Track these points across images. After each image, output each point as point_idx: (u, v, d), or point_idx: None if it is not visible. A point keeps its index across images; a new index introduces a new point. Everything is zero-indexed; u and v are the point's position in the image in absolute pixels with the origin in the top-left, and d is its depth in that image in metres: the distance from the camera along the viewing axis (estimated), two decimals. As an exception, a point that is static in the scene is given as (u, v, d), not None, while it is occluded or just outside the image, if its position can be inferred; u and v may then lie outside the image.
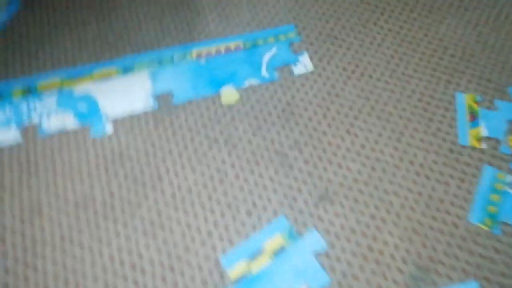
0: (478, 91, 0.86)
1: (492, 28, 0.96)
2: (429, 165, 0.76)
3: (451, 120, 0.82)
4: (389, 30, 0.93)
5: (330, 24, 0.92)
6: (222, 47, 0.88)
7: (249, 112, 0.79)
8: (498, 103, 0.85)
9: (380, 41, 0.91)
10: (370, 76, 0.86)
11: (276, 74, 0.85)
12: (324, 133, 0.78)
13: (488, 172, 0.76)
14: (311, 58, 0.87)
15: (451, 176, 0.75)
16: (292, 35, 0.90)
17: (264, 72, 0.84)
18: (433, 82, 0.86)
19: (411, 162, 0.76)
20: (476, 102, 0.84)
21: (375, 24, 0.94)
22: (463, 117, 0.82)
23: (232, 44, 0.88)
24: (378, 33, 0.93)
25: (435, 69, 0.88)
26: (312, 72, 0.85)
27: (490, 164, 0.77)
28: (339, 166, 0.76)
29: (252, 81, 0.83)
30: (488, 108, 0.84)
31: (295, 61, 0.87)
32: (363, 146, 0.77)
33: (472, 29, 0.95)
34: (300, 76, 0.85)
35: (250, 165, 0.74)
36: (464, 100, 0.84)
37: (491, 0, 1.01)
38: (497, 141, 0.80)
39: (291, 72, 0.85)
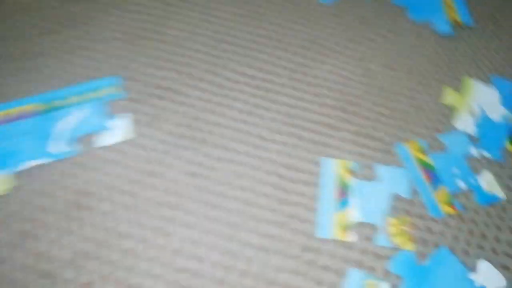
0: (356, 154, 0.63)
1: (385, 64, 0.72)
2: (268, 277, 0.52)
3: (312, 200, 0.58)
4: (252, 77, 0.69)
5: (168, 73, 0.68)
6: (13, 111, 0.63)
7: (17, 210, 0.54)
8: (380, 169, 0.61)
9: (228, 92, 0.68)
10: (215, 145, 0.62)
11: (76, 147, 0.61)
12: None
13: (354, 278, 0.52)
14: (136, 122, 0.62)
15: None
16: (113, 90, 0.65)
17: (55, 145, 0.60)
18: (290, 143, 0.63)
19: (243, 273, 0.52)
20: (350, 170, 0.60)
21: (233, 70, 0.70)
22: (327, 195, 0.58)
23: (25, 108, 0.63)
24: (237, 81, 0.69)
25: (296, 125, 0.65)
26: (129, 142, 0.60)
27: (358, 265, 0.53)
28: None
29: (38, 161, 0.59)
30: (367, 178, 0.60)
31: (107, 127, 0.62)
32: (176, 252, 0.53)
33: (360, 67, 0.71)
34: (108, 148, 0.60)
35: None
36: (332, 168, 0.60)
37: (388, 30, 0.78)
38: (373, 227, 0.56)
39: (95, 143, 0.61)
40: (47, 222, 0.54)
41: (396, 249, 0.56)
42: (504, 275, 0.55)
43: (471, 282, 0.54)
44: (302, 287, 0.52)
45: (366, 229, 0.57)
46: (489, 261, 0.56)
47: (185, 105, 0.65)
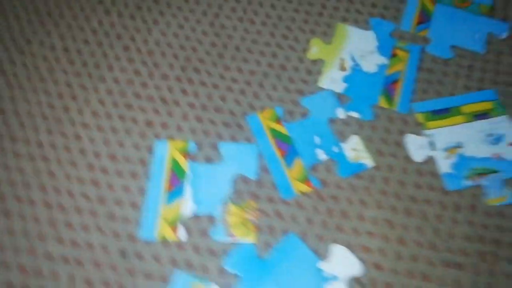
0: (197, 133, 0.54)
1: (240, 18, 0.61)
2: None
3: (139, 194, 0.48)
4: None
5: None
6: None
7: None
8: (224, 147, 0.51)
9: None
10: None
11: None
12: None
13: (178, 282, 0.43)
14: None
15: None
16: None
17: None
18: (120, 128, 0.52)
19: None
20: (185, 152, 0.50)
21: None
22: (156, 185, 0.49)
23: None
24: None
25: (129, 106, 0.54)
26: None
27: (188, 267, 0.44)
28: None
29: None
30: (208, 160, 0.50)
31: None
32: None
33: (208, 24, 0.60)
34: None
35: None
36: (166, 152, 0.50)
37: None
38: (210, 219, 0.46)
39: None
40: None
41: (235, 243, 0.46)
42: (363, 258, 0.46)
43: (320, 272, 0.45)
44: None
45: (201, 222, 0.48)
46: (348, 244, 0.47)
47: None
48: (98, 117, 0.54)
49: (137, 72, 0.57)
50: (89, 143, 0.52)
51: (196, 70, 0.57)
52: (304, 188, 0.50)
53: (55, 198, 0.49)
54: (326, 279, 0.45)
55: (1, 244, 0.46)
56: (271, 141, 0.52)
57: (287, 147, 0.52)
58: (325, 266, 0.45)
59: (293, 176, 0.50)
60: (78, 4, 0.62)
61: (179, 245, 0.47)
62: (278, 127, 0.53)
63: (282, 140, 0.53)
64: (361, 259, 0.46)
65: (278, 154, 0.52)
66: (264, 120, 0.54)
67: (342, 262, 0.46)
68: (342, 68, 0.58)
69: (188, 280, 0.44)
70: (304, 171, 0.51)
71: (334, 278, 0.45)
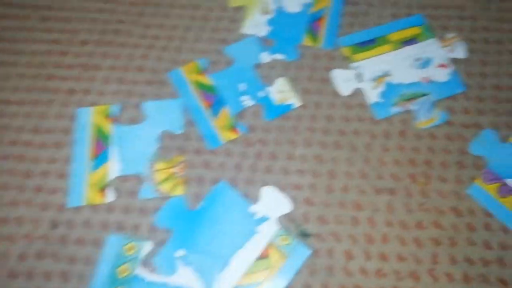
0: (120, 95, 0.52)
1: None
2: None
3: (62, 164, 0.47)
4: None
5: None
6: None
7: None
8: (147, 106, 0.50)
9: None
10: None
11: None
12: None
13: (111, 245, 0.43)
14: None
15: (47, 276, 0.42)
16: None
17: None
18: (43, 99, 0.51)
19: None
20: (108, 116, 0.49)
21: None
22: (80, 152, 0.47)
23: None
24: None
25: (50, 76, 0.52)
26: None
27: (119, 228, 0.44)
28: None
29: None
30: (132, 121, 0.50)
31: None
32: None
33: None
34: None
35: None
36: (88, 119, 0.49)
37: None
38: (138, 179, 0.46)
39: None
40: None
41: (164, 198, 0.45)
42: (294, 196, 0.45)
43: (252, 215, 0.44)
44: (52, 271, 0.43)
45: (129, 182, 0.47)
46: (278, 184, 0.46)
47: None
48: (18, 92, 0.52)
49: (55, 41, 0.55)
50: (10, 119, 0.50)
51: (116, 32, 0.56)
52: (231, 135, 0.49)
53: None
54: (258, 221, 0.44)
55: None
56: (195, 93, 0.51)
57: (213, 98, 0.51)
58: (256, 209, 0.45)
59: (219, 125, 0.50)
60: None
61: (109, 207, 0.46)
62: (202, 78, 0.52)
63: (207, 91, 0.52)
64: (292, 197, 0.46)
65: (203, 105, 0.51)
66: (187, 73, 0.53)
67: (272, 203, 0.45)
68: (265, 11, 0.56)
69: (120, 242, 0.44)
70: (230, 119, 0.50)
71: (266, 219, 0.44)
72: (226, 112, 0.50)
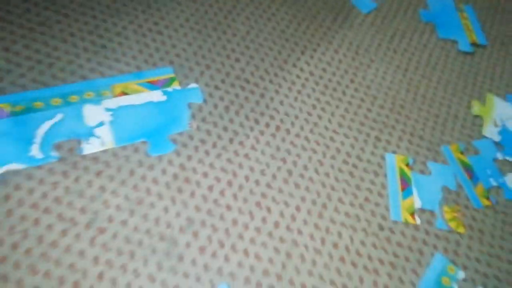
0: (410, 151, 0.73)
1: (422, 75, 0.84)
2: (356, 248, 0.61)
3: (381, 187, 0.67)
4: (311, 73, 0.78)
5: (238, 64, 0.74)
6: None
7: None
8: (431, 165, 0.72)
9: (300, 87, 0.76)
10: (288, 131, 0.69)
11: (55, 153, 0.59)
12: (228, 207, 0.60)
13: (438, 262, 0.62)
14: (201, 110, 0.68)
15: (381, 262, 0.60)
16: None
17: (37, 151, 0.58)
18: (360, 139, 0.72)
19: (335, 245, 0.60)
20: (407, 164, 0.71)
21: (294, 65, 0.78)
22: (394, 184, 0.68)
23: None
24: (298, 76, 0.77)
25: (362, 123, 0.74)
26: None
27: (444, 250, 0.64)
28: (246, 253, 0.58)
29: (16, 165, 0.57)
30: (421, 172, 0.71)
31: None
32: (276, 224, 0.60)
33: (402, 75, 0.82)
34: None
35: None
36: (394, 162, 0.70)
37: (420, 44, 0.90)
38: (432, 213, 0.67)
39: (79, 150, 0.60)
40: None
41: (452, 231, 0.67)
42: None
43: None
44: (382, 260, 0.62)
45: (426, 215, 0.68)
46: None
47: (265, 96, 0.72)
48: (344, 128, 0.74)
49: (363, 100, 0.78)
50: (341, 145, 0.72)
51: (401, 107, 0.80)
52: (486, 202, 0.73)
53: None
54: None
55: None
56: (460, 166, 0.75)
57: (471, 172, 0.75)
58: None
59: (478, 193, 0.73)
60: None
61: (416, 227, 0.67)
62: (462, 157, 0.77)
63: (467, 167, 0.76)
64: None
65: (466, 176, 0.75)
66: (454, 151, 0.77)
67: None
68: (495, 125, 0.83)
69: (444, 261, 0.64)
70: (484, 191, 0.74)
71: None
72: (481, 185, 0.74)
